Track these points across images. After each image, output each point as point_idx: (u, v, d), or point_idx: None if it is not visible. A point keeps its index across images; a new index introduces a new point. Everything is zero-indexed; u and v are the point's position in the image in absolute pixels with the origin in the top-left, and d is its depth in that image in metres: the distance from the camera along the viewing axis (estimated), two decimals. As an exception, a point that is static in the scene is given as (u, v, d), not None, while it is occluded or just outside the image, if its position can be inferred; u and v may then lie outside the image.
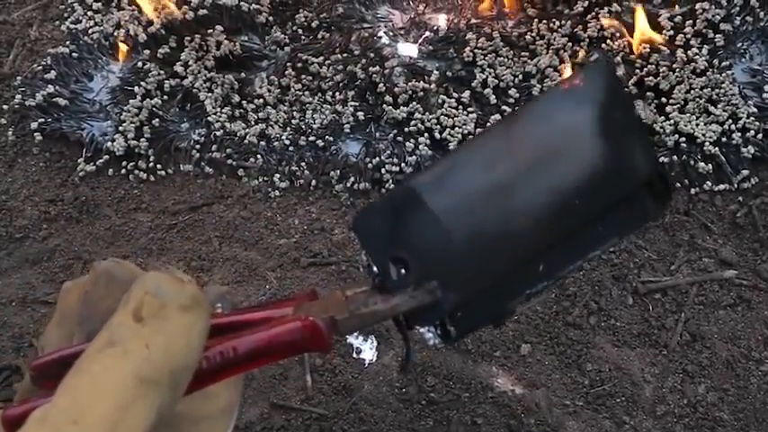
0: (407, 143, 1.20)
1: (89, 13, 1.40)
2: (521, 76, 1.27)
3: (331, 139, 1.22)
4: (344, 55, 1.30)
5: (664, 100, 1.23)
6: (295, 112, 1.26)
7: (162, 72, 1.28)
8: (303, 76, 1.28)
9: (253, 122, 1.24)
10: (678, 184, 1.17)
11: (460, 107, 1.24)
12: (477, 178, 0.37)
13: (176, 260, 1.11)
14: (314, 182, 1.18)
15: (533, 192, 0.37)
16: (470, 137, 1.20)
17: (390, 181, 1.17)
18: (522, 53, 1.29)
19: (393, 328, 1.02)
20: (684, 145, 1.19)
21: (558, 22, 1.31)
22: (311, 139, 1.22)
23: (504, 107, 1.24)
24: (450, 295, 0.36)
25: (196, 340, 0.34)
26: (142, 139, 1.21)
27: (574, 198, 0.37)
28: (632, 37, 1.30)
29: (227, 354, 0.38)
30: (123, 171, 1.21)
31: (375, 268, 0.38)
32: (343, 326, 0.37)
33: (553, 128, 0.38)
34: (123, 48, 1.33)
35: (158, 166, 1.21)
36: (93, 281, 0.41)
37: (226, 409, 0.41)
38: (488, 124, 1.21)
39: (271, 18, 1.36)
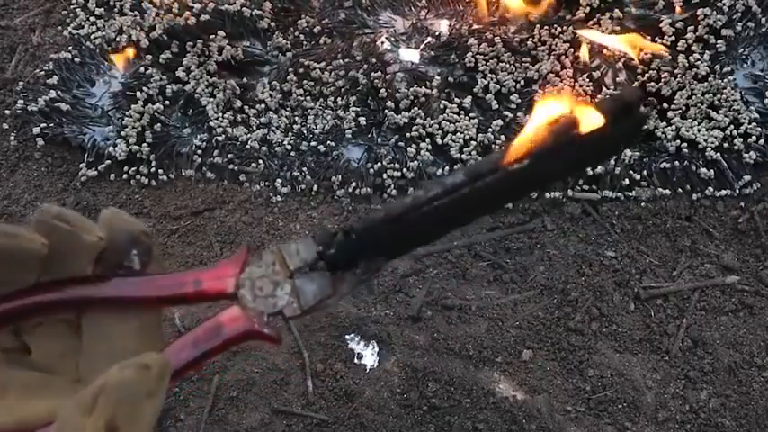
0: (409, 148, 1.20)
1: (91, 19, 1.40)
2: (522, 82, 1.27)
3: (333, 144, 1.22)
4: (346, 60, 1.30)
5: (665, 105, 1.24)
6: (297, 118, 1.26)
7: (164, 77, 1.28)
8: (305, 82, 1.29)
9: (254, 128, 1.25)
10: (680, 190, 1.17)
11: (462, 113, 1.24)
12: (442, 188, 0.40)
13: (177, 265, 1.11)
14: (315, 187, 1.18)
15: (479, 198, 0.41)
16: (472, 141, 1.20)
17: (392, 186, 1.17)
18: (524, 59, 1.29)
19: (395, 334, 1.02)
20: (686, 151, 1.19)
21: (559, 28, 1.32)
22: (313, 144, 1.22)
23: (505, 113, 1.24)
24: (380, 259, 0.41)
25: (160, 409, 0.35)
26: (144, 144, 1.21)
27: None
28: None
29: (180, 365, 0.38)
30: (125, 176, 1.21)
31: (319, 247, 0.40)
32: (292, 320, 0.40)
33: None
34: (125, 53, 1.33)
35: (160, 171, 1.21)
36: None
37: None
38: (489, 130, 1.22)
39: (273, 24, 1.36)
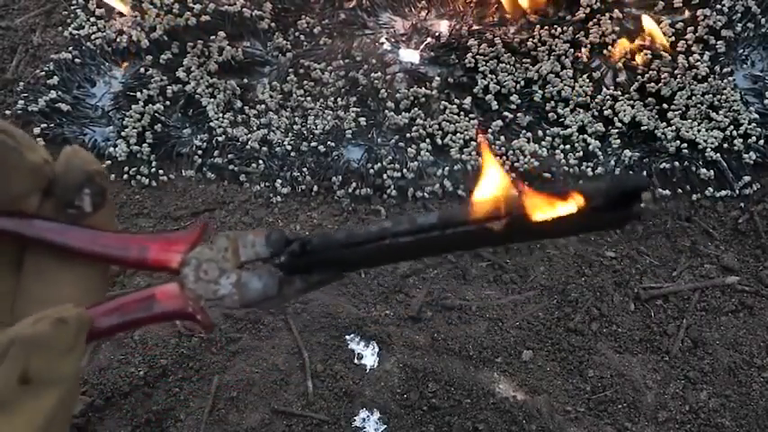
0: (409, 149, 1.20)
1: (92, 19, 1.40)
2: (522, 83, 1.27)
3: (333, 144, 1.22)
4: (346, 61, 1.30)
5: (665, 106, 1.24)
6: (297, 118, 1.26)
7: (164, 78, 1.28)
8: (305, 82, 1.29)
9: (255, 128, 1.25)
10: (680, 190, 1.17)
11: (462, 113, 1.24)
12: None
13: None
14: (315, 187, 1.18)
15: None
16: (472, 142, 1.21)
17: (392, 186, 1.17)
18: (524, 59, 1.29)
19: (395, 335, 1.02)
20: (686, 151, 1.20)
21: (559, 29, 1.32)
22: (313, 144, 1.22)
23: (505, 113, 1.24)
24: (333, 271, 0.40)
25: (80, 364, 0.33)
26: (144, 145, 1.21)
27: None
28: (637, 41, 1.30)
29: (102, 327, 0.37)
30: (125, 176, 1.21)
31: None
32: (227, 311, 0.40)
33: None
34: (126, 54, 1.33)
35: (160, 171, 1.21)
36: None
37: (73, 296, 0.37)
38: (489, 130, 1.22)
39: (273, 24, 1.36)
